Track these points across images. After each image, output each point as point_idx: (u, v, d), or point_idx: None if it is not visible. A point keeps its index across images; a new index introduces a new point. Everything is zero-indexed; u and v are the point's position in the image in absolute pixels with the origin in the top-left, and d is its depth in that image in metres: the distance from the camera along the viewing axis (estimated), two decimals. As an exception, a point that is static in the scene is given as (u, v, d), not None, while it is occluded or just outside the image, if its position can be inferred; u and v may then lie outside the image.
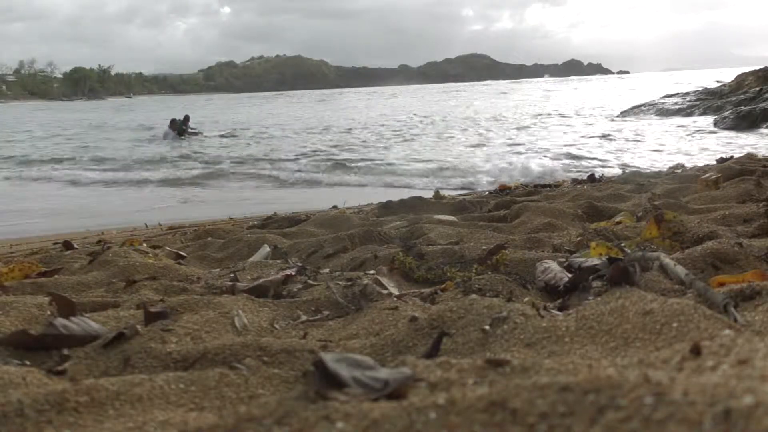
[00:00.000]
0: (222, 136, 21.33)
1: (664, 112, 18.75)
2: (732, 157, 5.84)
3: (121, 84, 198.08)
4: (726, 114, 15.39)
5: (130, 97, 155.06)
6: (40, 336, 1.37)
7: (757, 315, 1.29)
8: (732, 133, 13.74)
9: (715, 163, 5.63)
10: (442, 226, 3.02)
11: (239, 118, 33.17)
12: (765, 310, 1.30)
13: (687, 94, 20.15)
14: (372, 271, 2.16)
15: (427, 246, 2.49)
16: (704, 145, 12.33)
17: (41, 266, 2.46)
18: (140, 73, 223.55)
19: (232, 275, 2.26)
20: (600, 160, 11.19)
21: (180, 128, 20.44)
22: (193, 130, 20.89)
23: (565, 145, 13.67)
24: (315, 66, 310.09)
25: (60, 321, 1.41)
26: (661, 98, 21.06)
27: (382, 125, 23.45)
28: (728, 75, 20.01)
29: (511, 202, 3.91)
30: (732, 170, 4.29)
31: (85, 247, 3.34)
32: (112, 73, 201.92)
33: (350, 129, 22.22)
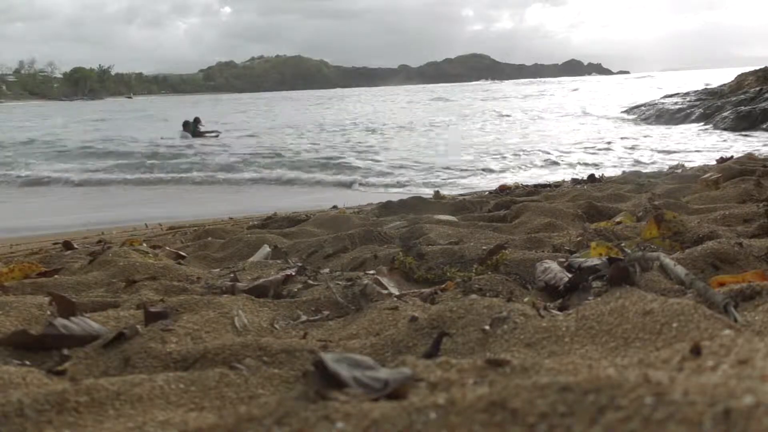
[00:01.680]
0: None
1: (664, 112, 18.74)
2: (732, 157, 5.85)
3: (121, 84, 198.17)
4: (726, 114, 15.39)
5: (130, 98, 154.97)
6: (40, 336, 1.37)
7: (757, 315, 1.29)
8: (732, 133, 13.74)
9: (715, 163, 5.63)
10: (442, 226, 3.02)
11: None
12: (765, 310, 1.30)
13: (687, 94, 20.14)
14: (372, 271, 2.16)
15: (427, 246, 2.49)
16: (704, 145, 12.34)
17: (41, 266, 2.46)
18: (140, 74, 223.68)
19: (232, 275, 2.26)
20: (600, 159, 11.20)
21: (193, 130, 19.62)
22: (207, 130, 20.01)
23: (568, 145, 13.69)
24: (315, 66, 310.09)
25: (60, 321, 1.41)
26: (661, 98, 21.06)
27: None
28: (728, 75, 20.01)
29: (511, 202, 3.91)
30: (732, 170, 4.29)
31: (85, 247, 3.34)
32: (112, 73, 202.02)
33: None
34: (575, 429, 0.63)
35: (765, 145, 11.14)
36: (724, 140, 12.75)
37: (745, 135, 13.26)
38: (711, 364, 0.89)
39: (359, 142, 16.70)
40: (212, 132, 20.30)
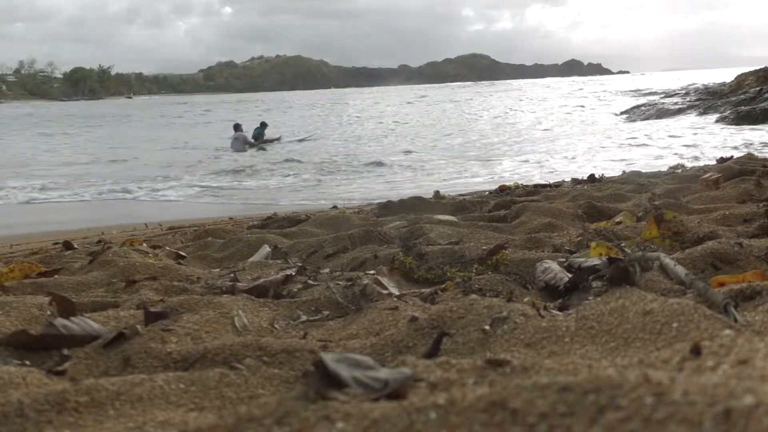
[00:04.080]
0: (301, 140, 18.40)
1: (664, 112, 18.74)
2: (732, 157, 5.84)
3: (121, 84, 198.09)
4: (726, 114, 15.40)
5: (130, 98, 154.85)
6: (40, 336, 1.37)
7: (757, 315, 1.29)
8: (732, 133, 13.74)
9: (715, 163, 5.63)
10: (442, 226, 3.02)
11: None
12: (765, 310, 1.30)
13: (687, 94, 20.16)
14: (372, 271, 2.16)
15: (427, 246, 2.49)
16: (704, 144, 12.34)
17: (41, 266, 2.46)
18: (140, 73, 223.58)
19: (232, 275, 2.26)
20: (600, 159, 11.19)
21: (259, 133, 17.28)
22: (268, 139, 17.53)
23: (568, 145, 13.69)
24: (315, 66, 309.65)
25: (60, 321, 1.41)
26: (661, 98, 21.08)
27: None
28: (728, 75, 20.00)
29: (511, 202, 3.91)
30: (732, 170, 4.29)
31: (85, 247, 3.34)
32: (112, 73, 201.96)
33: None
34: (575, 429, 0.63)
35: (764, 146, 11.12)
36: (724, 140, 12.73)
37: (745, 135, 13.24)
38: (711, 364, 0.89)
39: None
40: (274, 139, 17.72)
